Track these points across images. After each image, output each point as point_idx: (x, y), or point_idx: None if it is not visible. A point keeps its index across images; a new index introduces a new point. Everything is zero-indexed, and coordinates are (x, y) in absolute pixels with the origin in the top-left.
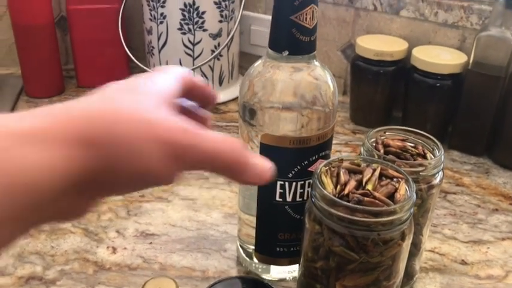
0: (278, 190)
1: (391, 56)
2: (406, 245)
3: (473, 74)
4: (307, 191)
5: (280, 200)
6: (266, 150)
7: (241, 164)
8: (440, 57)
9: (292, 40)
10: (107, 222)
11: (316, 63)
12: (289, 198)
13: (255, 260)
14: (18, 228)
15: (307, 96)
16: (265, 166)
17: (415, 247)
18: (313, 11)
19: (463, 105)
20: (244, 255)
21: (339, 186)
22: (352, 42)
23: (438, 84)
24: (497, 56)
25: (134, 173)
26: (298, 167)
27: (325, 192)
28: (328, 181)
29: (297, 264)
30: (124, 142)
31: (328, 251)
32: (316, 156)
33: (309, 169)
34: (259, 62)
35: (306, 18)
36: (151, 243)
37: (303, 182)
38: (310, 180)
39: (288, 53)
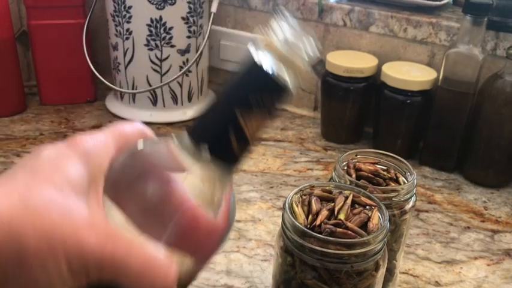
0: None
1: (361, 72)
2: (381, 274)
3: (442, 90)
4: None
5: None
6: None
7: None
8: (410, 74)
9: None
10: None
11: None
12: None
13: None
14: None
15: None
16: None
17: (389, 273)
18: (261, 123)
19: (433, 122)
20: None
21: (310, 217)
22: (322, 58)
23: (408, 101)
24: (465, 72)
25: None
26: None
27: (297, 223)
28: (299, 211)
29: None
30: (28, 256)
31: (300, 284)
32: None
33: None
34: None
35: (252, 124)
36: None
37: None
38: None
39: (207, 147)
